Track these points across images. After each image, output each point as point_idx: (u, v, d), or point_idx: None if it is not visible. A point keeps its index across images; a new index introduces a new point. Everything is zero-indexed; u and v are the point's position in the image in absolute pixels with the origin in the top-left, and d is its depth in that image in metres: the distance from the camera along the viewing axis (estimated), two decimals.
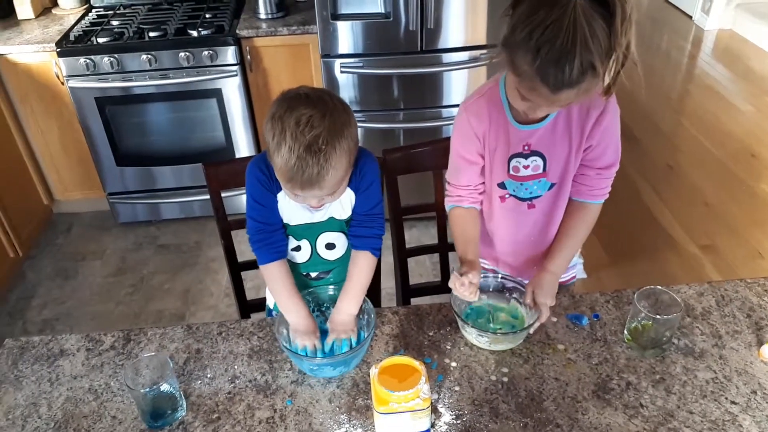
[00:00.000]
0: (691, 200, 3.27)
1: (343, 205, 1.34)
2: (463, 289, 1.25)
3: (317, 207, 1.29)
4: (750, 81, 4.66)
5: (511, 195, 1.39)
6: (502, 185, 1.38)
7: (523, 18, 1.03)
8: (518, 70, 1.07)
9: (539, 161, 1.32)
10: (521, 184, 1.36)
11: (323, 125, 1.11)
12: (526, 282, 1.34)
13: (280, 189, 1.28)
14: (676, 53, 5.06)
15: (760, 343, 1.24)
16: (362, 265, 1.33)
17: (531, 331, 1.26)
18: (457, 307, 1.28)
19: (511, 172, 1.34)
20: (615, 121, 1.28)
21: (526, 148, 1.30)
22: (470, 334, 1.27)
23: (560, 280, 1.39)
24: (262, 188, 1.29)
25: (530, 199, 1.38)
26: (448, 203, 1.44)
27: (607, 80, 1.07)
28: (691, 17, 5.46)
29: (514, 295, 1.34)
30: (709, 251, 2.88)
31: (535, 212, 1.40)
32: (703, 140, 3.75)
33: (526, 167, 1.33)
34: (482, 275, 1.35)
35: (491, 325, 1.32)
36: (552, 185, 1.36)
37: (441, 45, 2.63)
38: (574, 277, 1.60)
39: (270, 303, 1.58)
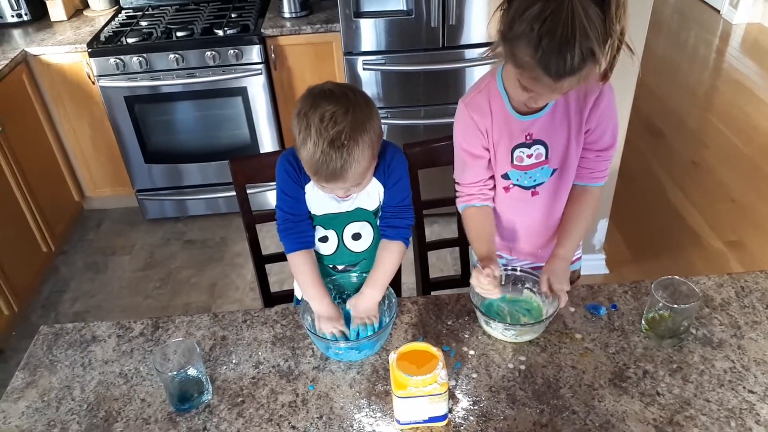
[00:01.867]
0: (717, 196, 3.24)
1: (370, 195, 1.37)
2: (487, 281, 1.26)
3: (344, 197, 1.33)
4: None
5: (515, 185, 1.41)
6: (505, 176, 1.40)
7: (521, 11, 1.05)
8: (520, 62, 1.10)
9: (542, 149, 1.34)
10: (525, 173, 1.38)
11: (346, 121, 1.15)
12: (532, 267, 1.37)
13: (308, 180, 1.32)
14: (703, 48, 5.02)
15: None
16: (393, 253, 1.37)
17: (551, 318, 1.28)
18: (477, 303, 1.30)
19: (515, 162, 1.36)
20: (611, 103, 1.31)
21: (528, 137, 1.33)
22: (495, 329, 1.28)
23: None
24: (290, 180, 1.34)
25: (534, 186, 1.40)
26: (460, 203, 1.46)
27: (603, 65, 1.09)
28: (719, 11, 5.42)
29: (527, 285, 1.36)
30: (734, 247, 2.86)
31: (538, 199, 1.42)
32: (730, 136, 3.72)
33: (529, 156, 1.35)
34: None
35: (509, 318, 1.33)
36: (554, 171, 1.38)
37: (463, 41, 2.64)
38: (580, 257, 1.61)
39: (298, 294, 1.62)
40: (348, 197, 1.34)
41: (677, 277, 1.25)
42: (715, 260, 2.80)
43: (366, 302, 1.32)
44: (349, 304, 1.34)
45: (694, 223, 3.04)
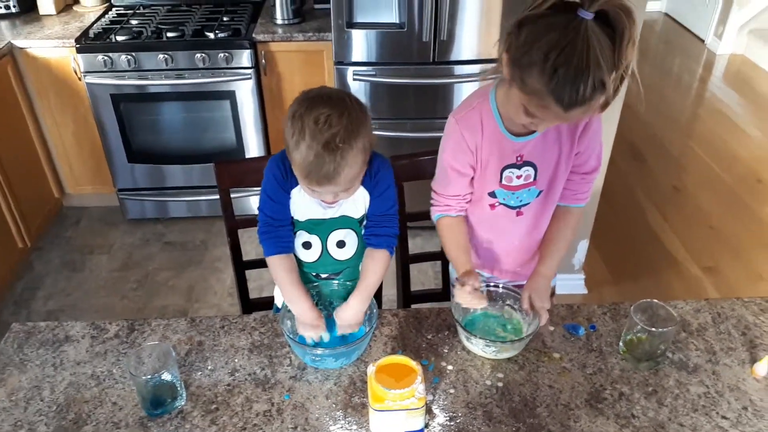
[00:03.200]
0: (696, 222, 3.29)
1: (356, 203, 1.37)
2: (470, 297, 1.27)
3: (332, 203, 1.33)
4: (759, 106, 4.68)
5: (501, 203, 1.41)
6: (492, 194, 1.40)
7: (534, 39, 1.05)
8: (529, 89, 1.09)
9: (531, 171, 1.35)
10: (513, 193, 1.39)
11: (341, 124, 1.14)
12: (513, 285, 1.38)
13: (295, 186, 1.31)
14: (687, 76, 5.12)
15: (753, 361, 1.26)
16: (378, 262, 1.36)
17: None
18: (459, 318, 1.30)
19: (504, 182, 1.37)
20: (600, 127, 1.33)
21: (519, 159, 1.33)
22: (475, 345, 1.28)
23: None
24: (276, 185, 1.32)
25: (519, 207, 1.41)
26: (435, 212, 1.46)
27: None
28: (703, 41, 5.53)
29: (508, 302, 1.36)
30: (711, 273, 2.90)
31: (522, 219, 1.43)
32: (710, 163, 3.79)
33: (518, 177, 1.36)
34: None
35: (495, 334, 1.33)
36: (539, 192, 1.39)
37: (453, 57, 2.66)
38: (555, 275, 1.62)
39: (278, 302, 1.60)
40: (335, 203, 1.34)
41: (656, 300, 1.27)
42: (692, 285, 2.84)
43: (351, 311, 1.31)
44: (336, 315, 1.33)
45: (672, 248, 3.08)
